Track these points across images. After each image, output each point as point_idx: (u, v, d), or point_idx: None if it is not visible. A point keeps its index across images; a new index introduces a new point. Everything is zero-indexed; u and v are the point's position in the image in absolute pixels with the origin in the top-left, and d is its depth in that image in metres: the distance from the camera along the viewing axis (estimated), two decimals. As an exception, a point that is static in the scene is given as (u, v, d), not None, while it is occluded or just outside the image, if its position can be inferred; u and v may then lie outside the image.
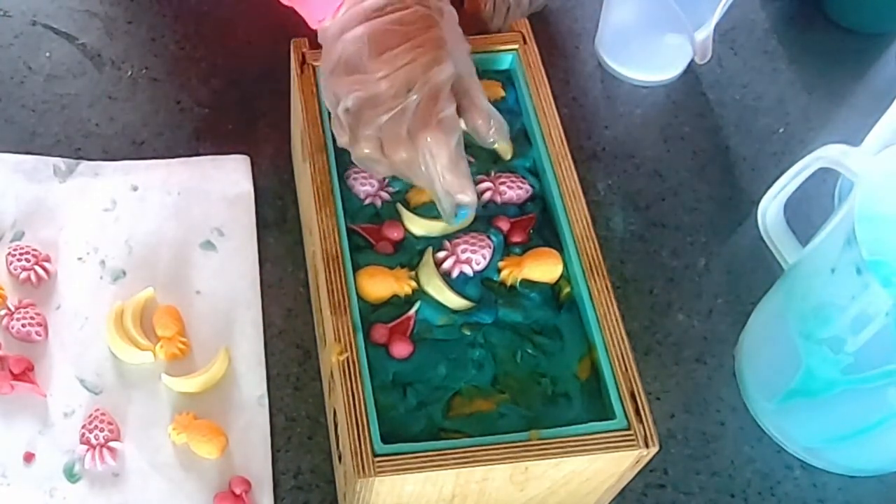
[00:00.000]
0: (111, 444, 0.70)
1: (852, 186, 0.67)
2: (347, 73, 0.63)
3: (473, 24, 0.81)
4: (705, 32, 0.82)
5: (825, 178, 0.75)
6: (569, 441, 0.58)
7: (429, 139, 0.61)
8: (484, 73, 0.73)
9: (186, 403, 0.72)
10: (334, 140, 0.69)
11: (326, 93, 0.65)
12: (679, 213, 0.83)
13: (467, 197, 0.63)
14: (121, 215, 0.80)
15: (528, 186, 0.68)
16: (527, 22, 0.74)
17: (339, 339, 0.61)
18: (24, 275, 0.76)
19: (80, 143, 0.84)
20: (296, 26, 0.91)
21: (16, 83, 0.88)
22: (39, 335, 0.75)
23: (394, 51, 0.61)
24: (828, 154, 0.70)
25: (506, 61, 0.73)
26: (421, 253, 0.66)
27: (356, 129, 0.63)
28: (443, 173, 0.62)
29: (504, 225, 0.66)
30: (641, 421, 0.59)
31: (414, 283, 0.64)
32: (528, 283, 0.65)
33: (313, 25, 0.66)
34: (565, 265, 0.65)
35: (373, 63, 0.61)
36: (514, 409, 0.61)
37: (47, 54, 0.89)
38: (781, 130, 0.88)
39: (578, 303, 0.64)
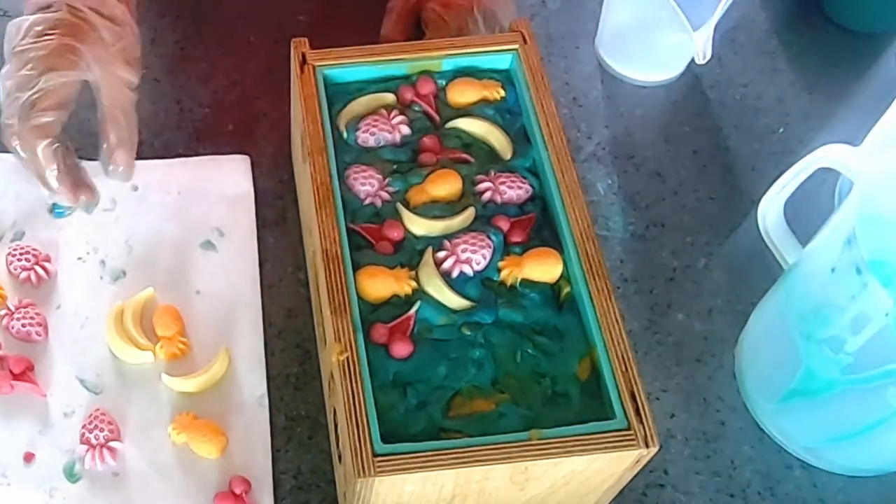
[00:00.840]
0: (111, 444, 0.70)
1: (852, 186, 0.67)
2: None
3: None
4: (705, 32, 0.82)
5: (825, 178, 0.75)
6: (569, 441, 0.58)
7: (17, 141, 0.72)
8: (484, 73, 0.73)
9: (186, 403, 0.72)
10: (334, 140, 0.70)
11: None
12: (679, 213, 0.83)
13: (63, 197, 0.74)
14: (121, 215, 0.80)
15: (528, 186, 0.68)
16: (527, 22, 0.74)
17: (339, 339, 0.61)
18: (24, 275, 0.76)
19: (80, 143, 0.84)
20: (296, 26, 0.91)
21: (16, 83, 0.87)
22: (39, 335, 0.75)
23: (28, 54, 0.71)
24: (828, 154, 0.70)
25: (506, 61, 0.73)
26: (421, 253, 0.65)
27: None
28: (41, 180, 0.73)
29: (504, 225, 0.66)
30: (641, 421, 0.59)
31: (414, 283, 0.64)
32: (528, 283, 0.65)
33: None
34: (565, 265, 0.65)
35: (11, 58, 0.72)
36: (514, 409, 0.61)
37: (47, 54, 0.89)
38: (781, 130, 0.88)
39: (578, 303, 0.64)
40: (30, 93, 0.70)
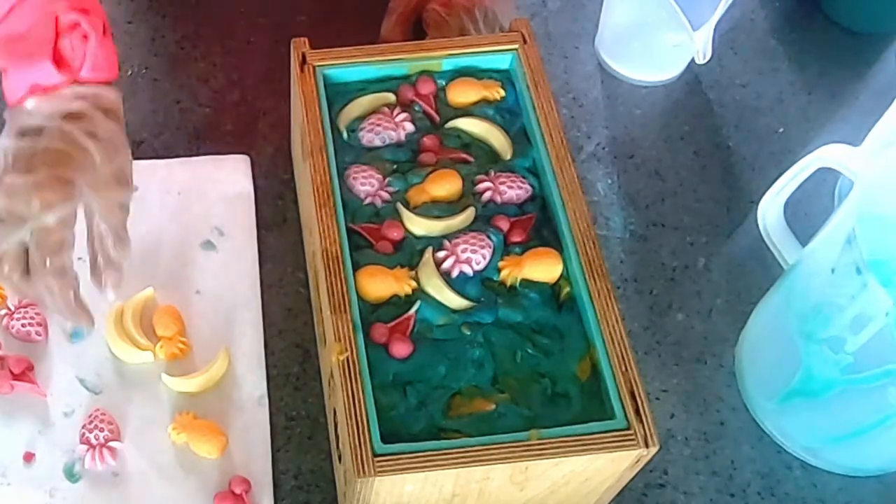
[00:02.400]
0: (111, 444, 0.70)
1: (852, 186, 0.67)
2: None
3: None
4: (705, 32, 0.82)
5: (825, 178, 0.75)
6: (569, 441, 0.58)
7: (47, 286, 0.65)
8: (484, 73, 0.73)
9: (186, 403, 0.72)
10: (334, 140, 0.70)
11: None
12: (679, 213, 0.83)
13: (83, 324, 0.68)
14: (121, 215, 0.80)
15: (528, 186, 0.68)
16: (527, 22, 0.74)
17: (339, 338, 0.61)
18: (24, 275, 0.76)
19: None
20: (296, 26, 0.91)
21: (16, 83, 0.87)
22: (39, 335, 0.75)
23: (19, 179, 0.65)
24: (828, 154, 0.70)
25: (506, 61, 0.73)
26: (421, 253, 0.65)
27: None
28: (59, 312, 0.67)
29: (504, 225, 0.66)
30: (641, 421, 0.59)
31: (414, 283, 0.64)
32: (528, 283, 0.65)
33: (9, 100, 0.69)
34: (565, 265, 0.65)
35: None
36: (514, 408, 0.61)
37: (47, 54, 0.89)
38: (781, 130, 0.88)
39: (578, 303, 0.64)
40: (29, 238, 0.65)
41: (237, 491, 0.69)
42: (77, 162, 0.66)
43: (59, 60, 0.67)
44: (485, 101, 0.72)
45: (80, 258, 0.78)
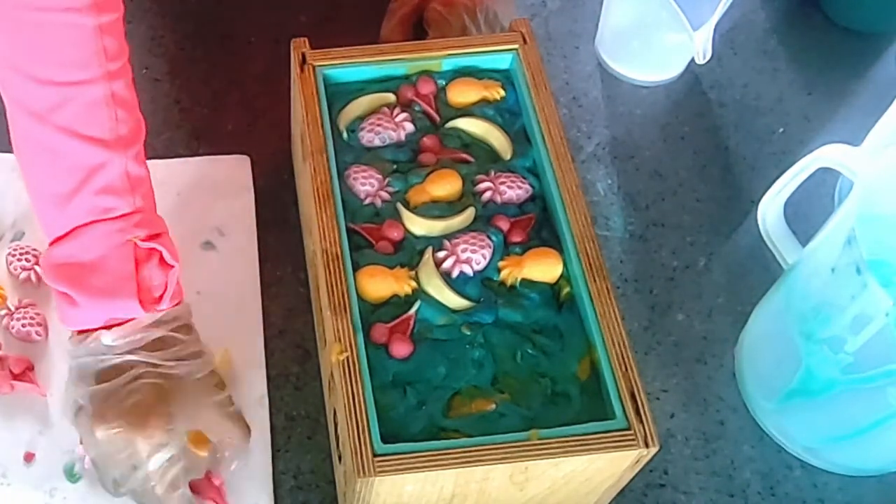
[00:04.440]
0: (111, 444, 0.70)
1: (852, 186, 0.67)
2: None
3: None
4: (705, 32, 0.82)
5: (825, 178, 0.75)
6: (569, 441, 0.58)
7: None
8: (484, 73, 0.73)
9: (186, 403, 0.72)
10: (334, 140, 0.70)
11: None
12: (679, 213, 0.83)
13: None
14: (121, 215, 0.80)
15: (528, 186, 0.68)
16: (527, 22, 0.74)
17: (339, 338, 0.61)
18: (24, 275, 0.76)
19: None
20: (296, 26, 0.91)
21: (16, 83, 0.87)
22: (39, 335, 0.75)
23: (115, 428, 0.63)
24: (828, 154, 0.70)
25: (506, 61, 0.73)
26: (421, 253, 0.65)
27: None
28: None
29: (504, 225, 0.66)
30: (641, 421, 0.59)
31: (414, 283, 0.64)
32: (528, 283, 0.65)
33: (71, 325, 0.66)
34: (565, 265, 0.65)
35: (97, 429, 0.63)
36: (514, 408, 0.61)
37: (47, 54, 0.89)
38: (781, 130, 0.88)
39: (578, 303, 0.64)
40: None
41: (216, 482, 0.68)
42: (171, 392, 0.64)
43: (138, 291, 0.63)
44: (485, 101, 0.72)
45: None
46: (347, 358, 0.60)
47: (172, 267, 0.65)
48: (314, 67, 0.71)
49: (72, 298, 0.63)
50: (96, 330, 0.64)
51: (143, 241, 0.64)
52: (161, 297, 0.64)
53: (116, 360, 0.64)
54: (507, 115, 0.71)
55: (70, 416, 0.66)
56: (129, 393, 0.63)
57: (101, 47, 0.62)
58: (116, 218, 0.64)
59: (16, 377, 0.72)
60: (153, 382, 0.63)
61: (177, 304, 0.66)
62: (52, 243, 0.65)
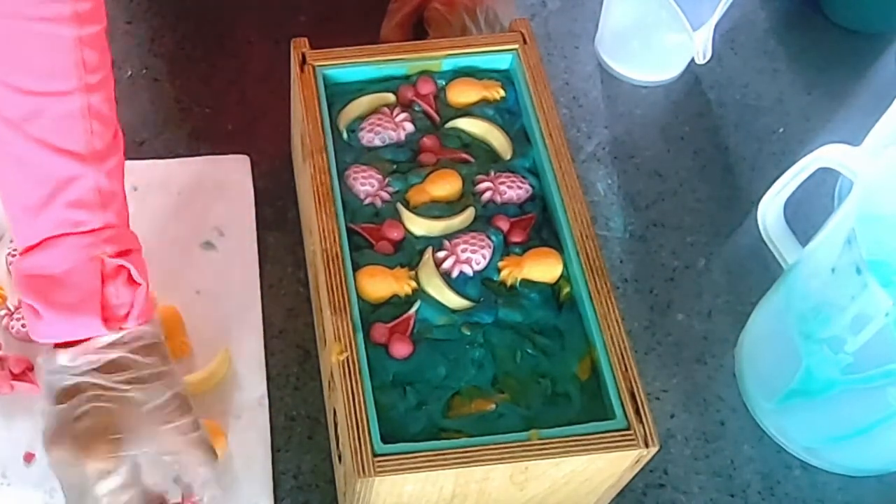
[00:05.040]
0: (111, 444, 0.70)
1: (852, 186, 0.67)
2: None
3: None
4: (705, 32, 0.82)
5: (825, 178, 0.75)
6: (569, 441, 0.58)
7: None
8: (484, 73, 0.73)
9: (186, 403, 0.72)
10: (334, 140, 0.70)
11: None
12: (679, 213, 0.83)
13: None
14: (121, 215, 0.80)
15: (528, 186, 0.68)
16: (527, 22, 0.74)
17: (339, 338, 0.61)
18: (24, 275, 0.76)
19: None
20: (296, 26, 0.91)
21: (16, 83, 0.87)
22: (39, 335, 0.74)
23: (63, 452, 0.61)
24: (828, 154, 0.70)
25: (506, 61, 0.73)
26: (421, 253, 0.65)
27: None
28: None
29: (504, 225, 0.66)
30: (641, 421, 0.59)
31: (414, 283, 0.64)
32: (528, 283, 0.65)
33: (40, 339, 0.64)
34: (565, 265, 0.65)
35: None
36: (514, 408, 0.61)
37: (47, 54, 0.89)
38: (781, 130, 0.88)
39: (578, 303, 0.64)
40: None
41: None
42: (123, 417, 0.61)
43: (103, 309, 0.62)
44: (485, 101, 0.72)
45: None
46: (347, 358, 0.60)
47: (139, 285, 0.64)
48: (314, 67, 0.71)
49: (37, 311, 0.62)
50: (57, 347, 0.63)
51: (111, 257, 0.62)
52: (126, 315, 0.63)
53: (73, 380, 0.62)
54: (507, 115, 0.71)
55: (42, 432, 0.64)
56: (81, 416, 0.61)
57: (81, 59, 0.62)
58: (86, 233, 0.63)
59: (16, 377, 0.72)
60: (104, 406, 0.61)
61: (142, 324, 0.64)
62: (22, 253, 0.64)
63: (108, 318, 0.62)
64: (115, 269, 0.63)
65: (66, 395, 0.62)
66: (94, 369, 0.62)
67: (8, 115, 0.61)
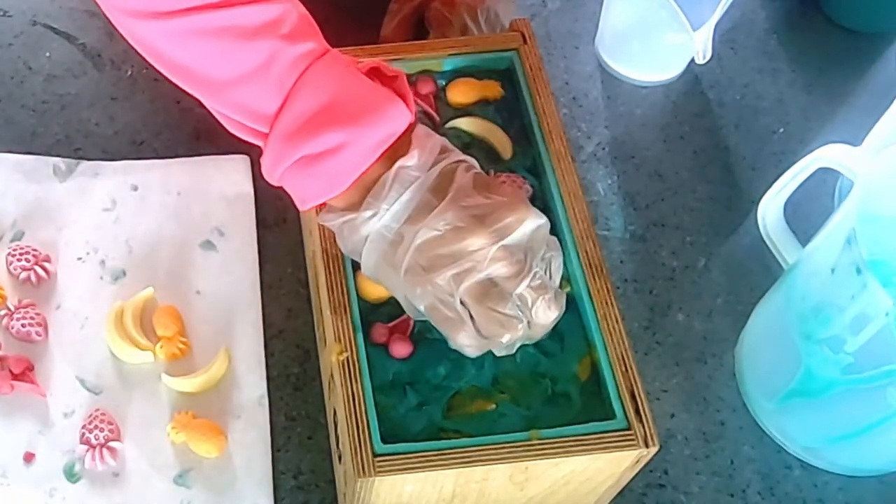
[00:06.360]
0: (111, 444, 0.70)
1: (852, 186, 0.67)
2: (429, 264, 0.57)
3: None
4: (705, 32, 0.82)
5: (825, 178, 0.75)
6: (569, 441, 0.58)
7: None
8: (484, 73, 0.73)
9: (186, 403, 0.72)
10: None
11: (402, 293, 0.60)
12: (679, 213, 0.83)
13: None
14: (121, 215, 0.80)
15: (528, 186, 0.68)
16: (527, 22, 0.74)
17: (339, 338, 0.61)
18: (24, 275, 0.76)
19: (80, 143, 0.84)
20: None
21: (16, 83, 0.88)
22: (39, 335, 0.75)
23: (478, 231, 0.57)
24: (828, 154, 0.70)
25: (506, 61, 0.73)
26: (421, 253, 0.65)
27: (486, 312, 0.58)
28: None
29: (504, 225, 0.66)
30: (641, 421, 0.59)
31: (414, 283, 0.64)
32: (528, 283, 0.64)
33: (303, 207, 0.62)
34: (565, 265, 0.65)
35: (471, 238, 0.57)
36: (514, 408, 0.61)
37: (47, 54, 0.89)
38: (781, 130, 0.88)
39: (578, 303, 0.64)
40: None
41: None
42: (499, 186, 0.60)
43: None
44: (485, 101, 0.72)
45: (79, 258, 0.78)
46: (347, 358, 0.60)
47: (399, 74, 0.60)
48: (314, 67, 0.71)
49: (332, 150, 0.57)
50: (379, 160, 0.58)
51: (360, 65, 0.59)
52: (408, 102, 0.59)
53: (436, 181, 0.58)
54: (507, 114, 0.71)
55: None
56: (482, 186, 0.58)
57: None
58: (322, 54, 0.60)
59: (16, 377, 0.72)
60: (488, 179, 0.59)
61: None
62: (272, 127, 0.59)
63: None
64: (371, 68, 0.60)
65: (440, 190, 0.58)
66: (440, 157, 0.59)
67: None
